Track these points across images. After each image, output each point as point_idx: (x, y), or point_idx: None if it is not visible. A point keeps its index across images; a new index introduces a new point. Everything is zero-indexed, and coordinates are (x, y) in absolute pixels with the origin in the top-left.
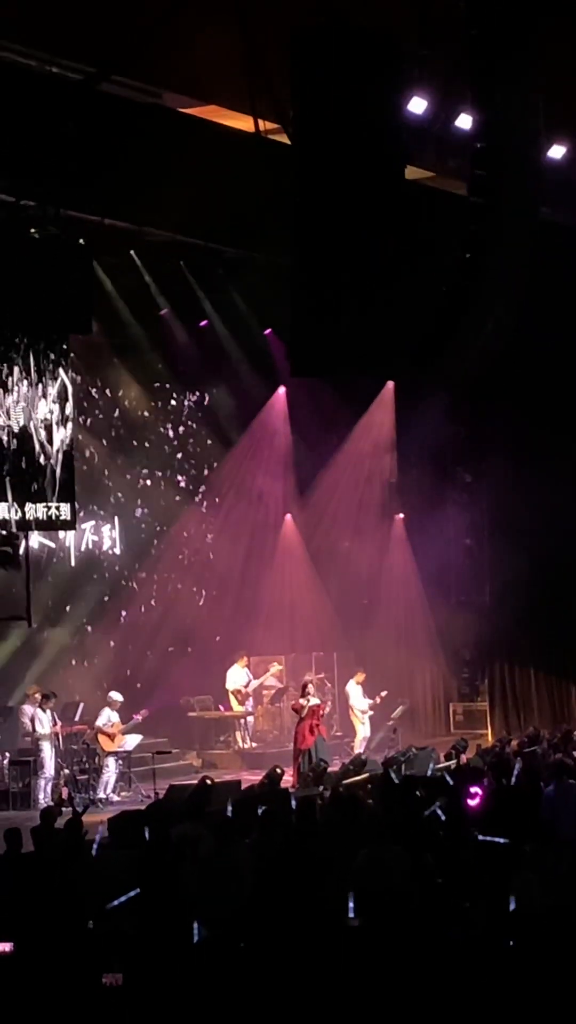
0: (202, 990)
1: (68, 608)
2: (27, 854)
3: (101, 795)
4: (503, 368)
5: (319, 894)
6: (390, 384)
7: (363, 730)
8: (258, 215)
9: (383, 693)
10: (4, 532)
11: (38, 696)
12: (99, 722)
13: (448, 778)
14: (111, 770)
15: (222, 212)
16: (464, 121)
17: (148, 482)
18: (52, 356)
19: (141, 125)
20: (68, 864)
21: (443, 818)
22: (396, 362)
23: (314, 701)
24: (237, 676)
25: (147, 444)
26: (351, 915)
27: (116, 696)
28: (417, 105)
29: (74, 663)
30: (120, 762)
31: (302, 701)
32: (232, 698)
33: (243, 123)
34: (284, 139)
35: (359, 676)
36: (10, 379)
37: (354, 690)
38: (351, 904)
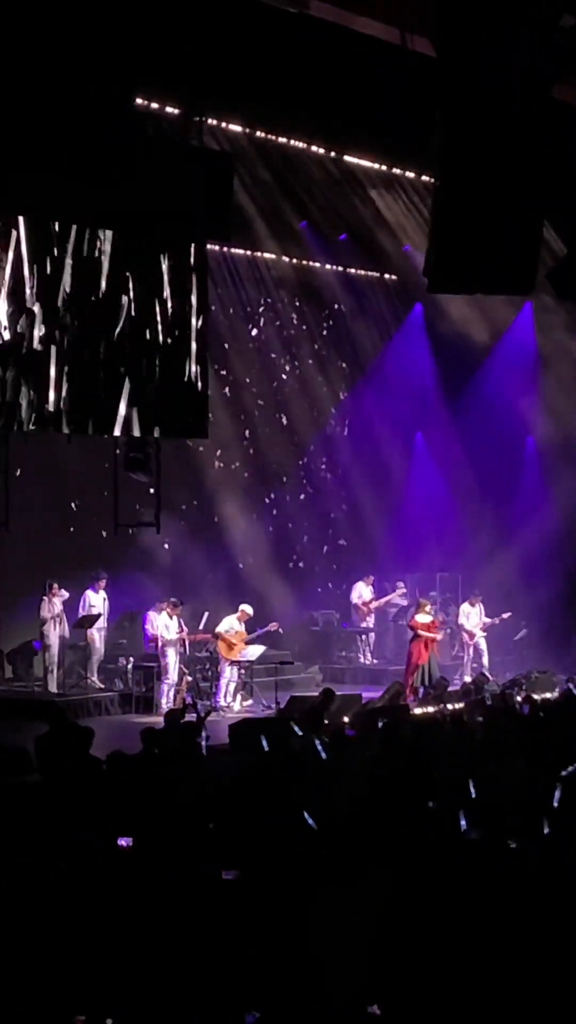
0: (313, 890)
1: (198, 518)
2: (147, 753)
3: (222, 702)
4: None
5: (435, 809)
6: (528, 305)
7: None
8: (401, 129)
9: (506, 615)
10: (136, 437)
11: (166, 603)
12: (220, 628)
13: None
14: (229, 678)
15: (365, 125)
16: None
17: (281, 397)
18: (190, 270)
19: (286, 34)
20: (188, 765)
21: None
22: (536, 283)
23: (428, 618)
24: (363, 592)
25: (282, 359)
26: (463, 828)
27: (247, 608)
28: (569, 20)
29: (200, 572)
30: (243, 672)
31: (418, 617)
32: (354, 612)
33: (389, 34)
34: (430, 51)
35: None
36: (146, 285)
37: (471, 612)
38: (463, 821)
